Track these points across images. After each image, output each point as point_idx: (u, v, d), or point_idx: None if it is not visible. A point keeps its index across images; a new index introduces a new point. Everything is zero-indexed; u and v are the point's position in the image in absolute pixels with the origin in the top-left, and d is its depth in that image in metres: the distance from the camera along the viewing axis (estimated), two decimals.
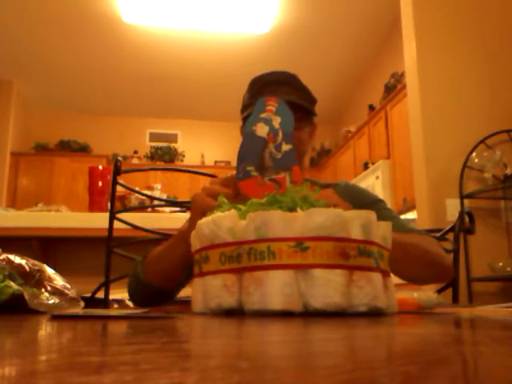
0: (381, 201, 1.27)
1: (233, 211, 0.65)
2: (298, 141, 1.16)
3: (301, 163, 1.22)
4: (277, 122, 0.75)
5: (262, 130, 0.75)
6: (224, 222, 0.63)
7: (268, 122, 0.76)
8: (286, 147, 0.74)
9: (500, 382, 0.20)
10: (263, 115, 0.76)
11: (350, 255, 0.59)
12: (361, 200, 1.20)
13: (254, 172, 0.74)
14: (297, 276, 0.58)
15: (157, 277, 1.03)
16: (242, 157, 0.76)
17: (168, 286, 1.05)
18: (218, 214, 0.66)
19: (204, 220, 0.67)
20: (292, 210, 0.64)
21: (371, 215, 0.64)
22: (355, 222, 0.61)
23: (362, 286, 0.59)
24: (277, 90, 1.14)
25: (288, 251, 0.58)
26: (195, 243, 0.69)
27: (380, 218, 1.14)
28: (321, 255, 0.58)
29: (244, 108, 1.18)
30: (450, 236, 1.44)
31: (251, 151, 0.75)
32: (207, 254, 0.65)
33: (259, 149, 0.75)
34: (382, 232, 0.65)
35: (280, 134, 0.75)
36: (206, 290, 0.64)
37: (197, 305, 0.67)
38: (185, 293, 1.11)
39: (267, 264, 0.58)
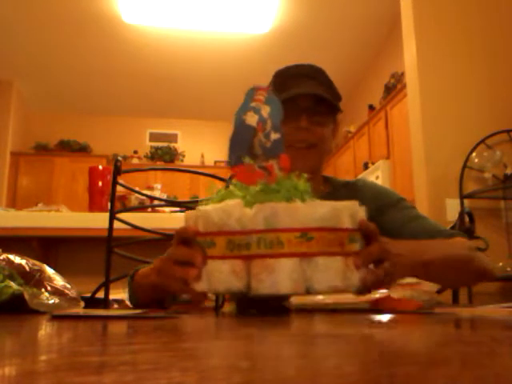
0: (403, 199, 1.23)
1: (240, 201, 0.69)
2: (321, 138, 1.12)
3: (323, 162, 1.18)
4: (266, 111, 0.77)
5: (251, 118, 0.77)
6: (234, 211, 0.67)
7: (257, 111, 0.77)
8: (274, 136, 0.76)
9: (500, 382, 0.20)
10: (253, 104, 0.77)
11: (344, 243, 0.66)
12: (384, 199, 1.18)
13: (244, 159, 0.75)
14: (302, 263, 0.65)
15: (143, 297, 0.98)
16: (233, 144, 0.77)
17: (159, 299, 0.98)
18: (227, 203, 0.69)
19: (213, 207, 0.68)
20: (289, 199, 0.68)
21: (356, 205, 0.70)
22: (346, 213, 0.68)
23: (353, 269, 0.66)
24: (301, 83, 1.09)
25: (295, 241, 0.64)
26: (197, 225, 0.68)
27: (405, 216, 1.16)
28: (323, 244, 0.65)
29: None
30: None
31: (242, 139, 0.76)
32: (212, 240, 0.66)
33: (249, 137, 0.77)
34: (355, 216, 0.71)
35: (269, 122, 0.77)
36: (213, 274, 0.67)
37: (199, 284, 0.67)
38: None
39: (276, 252, 0.64)
